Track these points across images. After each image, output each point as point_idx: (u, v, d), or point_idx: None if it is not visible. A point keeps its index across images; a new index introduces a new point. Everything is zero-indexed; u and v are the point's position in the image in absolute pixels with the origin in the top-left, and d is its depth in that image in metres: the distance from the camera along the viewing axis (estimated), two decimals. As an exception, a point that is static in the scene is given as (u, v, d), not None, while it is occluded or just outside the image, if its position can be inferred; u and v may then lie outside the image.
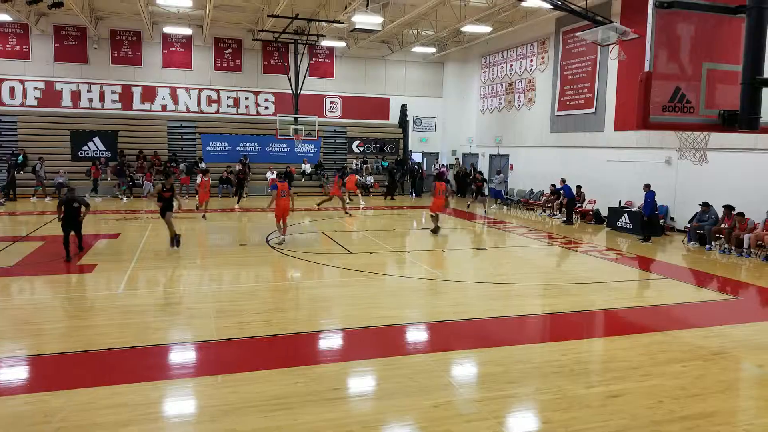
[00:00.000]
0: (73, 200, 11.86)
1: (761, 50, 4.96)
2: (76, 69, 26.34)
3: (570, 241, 15.77)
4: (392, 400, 5.57)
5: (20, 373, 6.18)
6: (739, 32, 5.13)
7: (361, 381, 6.18)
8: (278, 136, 25.88)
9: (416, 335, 7.83)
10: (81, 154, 25.95)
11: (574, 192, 19.94)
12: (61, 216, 11.78)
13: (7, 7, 20.79)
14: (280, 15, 20.67)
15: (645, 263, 12.97)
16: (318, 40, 25.24)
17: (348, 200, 22.46)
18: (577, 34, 17.04)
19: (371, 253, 13.27)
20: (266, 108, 29.05)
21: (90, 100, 26.73)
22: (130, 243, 13.85)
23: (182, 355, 6.80)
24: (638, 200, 17.53)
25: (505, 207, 24.37)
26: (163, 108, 27.80)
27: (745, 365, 6.82)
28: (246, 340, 7.23)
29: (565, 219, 19.44)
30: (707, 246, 14.62)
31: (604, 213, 19.09)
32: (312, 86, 28.65)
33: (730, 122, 4.93)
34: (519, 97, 25.61)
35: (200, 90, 28.20)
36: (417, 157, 31.42)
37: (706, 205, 14.98)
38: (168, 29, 26.29)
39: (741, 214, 14.08)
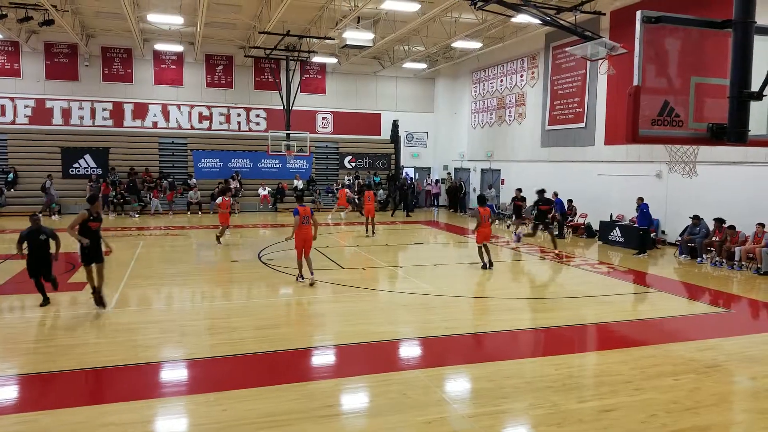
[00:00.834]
0: (39, 232, 9.37)
1: (748, 64, 5.02)
2: (67, 86, 26.32)
3: (562, 254, 15.79)
4: (385, 416, 5.51)
5: (10, 393, 6.08)
6: (726, 46, 5.20)
7: (355, 397, 6.13)
8: (270, 152, 25.94)
9: (409, 351, 7.78)
10: (72, 171, 25.83)
11: (566, 206, 20.00)
12: (25, 254, 9.36)
13: (-2, 24, 20.82)
14: (271, 32, 20.80)
15: (637, 277, 12.99)
16: (309, 56, 25.37)
17: (342, 215, 22.30)
18: (566, 49, 17.26)
19: (363, 268, 13.24)
20: (258, 124, 29.10)
21: (81, 118, 26.67)
22: (122, 260, 13.73)
23: (174, 373, 6.72)
24: (629, 214, 17.63)
25: (496, 221, 24.39)
26: (155, 125, 27.77)
27: (737, 378, 6.82)
28: (238, 357, 7.16)
29: (557, 233, 19.46)
30: (698, 259, 14.68)
31: (596, 227, 19.16)
32: (304, 102, 28.74)
33: (718, 135, 4.98)
34: (510, 111, 25.79)
35: (192, 106, 28.21)
36: (409, 172, 31.47)
37: (696, 218, 15.07)
38: (159, 46, 26.38)
39: (732, 227, 14.18)
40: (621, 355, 7.43)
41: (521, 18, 17.42)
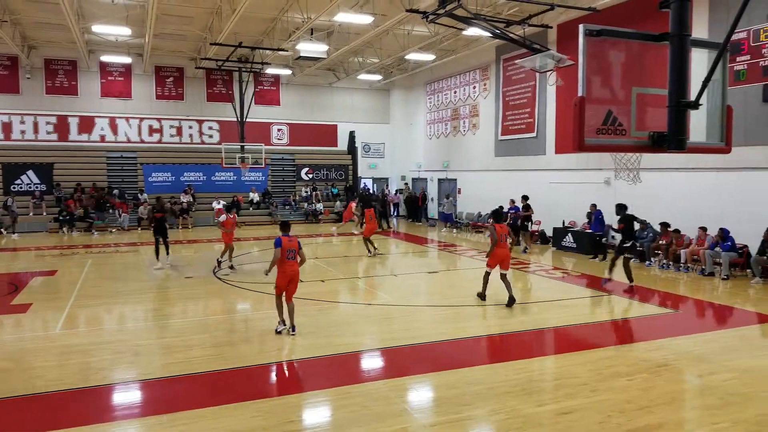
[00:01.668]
0: None
1: (685, 75, 5.26)
2: (8, 100, 25.32)
3: (518, 261, 16.09)
4: (348, 429, 5.49)
5: (-52, 424, 5.78)
6: (665, 58, 5.43)
7: (316, 412, 6.08)
8: (224, 165, 25.59)
9: (370, 362, 7.77)
10: (14, 188, 24.82)
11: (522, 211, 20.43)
12: None
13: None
14: (223, 43, 20.59)
15: (590, 281, 13.35)
16: (263, 67, 25.21)
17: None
18: (516, 61, 17.67)
19: (323, 281, 13.16)
20: (211, 136, 28.66)
21: (23, 132, 25.71)
22: (69, 279, 13.26)
23: (127, 396, 6.51)
24: (581, 220, 18.12)
25: (455, 230, 24.69)
26: (102, 138, 27.00)
27: (686, 376, 7.08)
28: (195, 375, 7.00)
29: (513, 241, 19.88)
30: (647, 262, 15.20)
31: (549, 233, 19.62)
32: (258, 114, 28.50)
33: (659, 143, 5.19)
34: (464, 122, 26.21)
35: (141, 119, 27.57)
36: (367, 183, 31.56)
37: (644, 223, 15.59)
38: (106, 58, 25.74)
39: (677, 231, 14.77)
40: (577, 357, 7.62)
41: (472, 31, 17.76)
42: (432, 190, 29.22)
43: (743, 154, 13.71)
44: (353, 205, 21.49)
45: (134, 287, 12.56)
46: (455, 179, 27.17)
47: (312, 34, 20.47)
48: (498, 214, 11.07)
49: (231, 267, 14.65)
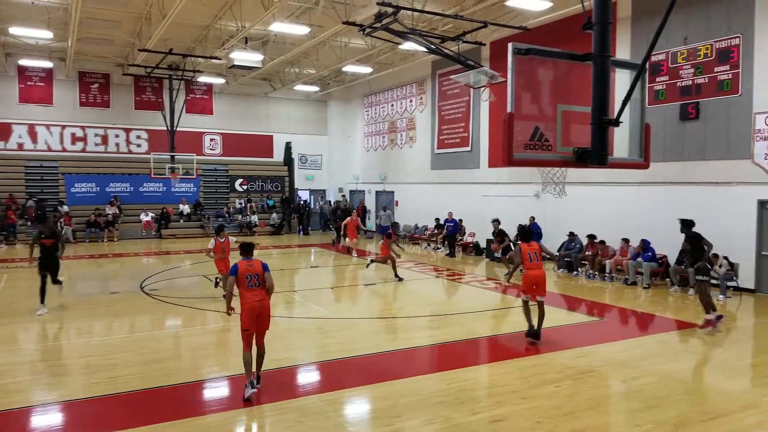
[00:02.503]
0: None
1: (606, 93, 5.55)
2: None
3: (453, 272, 16.35)
4: (280, 446, 5.37)
5: None
6: (588, 77, 5.70)
7: (250, 428, 5.92)
8: (153, 175, 24.75)
9: (305, 377, 7.66)
10: None
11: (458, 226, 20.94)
12: None
13: None
14: (152, 50, 19.99)
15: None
16: (194, 75, 24.63)
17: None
18: (451, 76, 18.10)
19: (256, 294, 12.87)
20: (139, 146, 27.61)
21: (-68, 139, 23.99)
22: (-18, 296, 12.41)
23: (46, 418, 6.13)
24: (513, 232, 18.63)
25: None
26: (20, 146, 25.51)
27: (611, 381, 7.37)
28: (120, 395, 6.67)
29: (448, 252, 20.31)
30: (575, 272, 15.80)
31: (483, 244, 20.06)
32: (189, 123, 27.74)
33: (583, 158, 5.45)
34: (401, 135, 26.51)
35: (63, 127, 26.24)
36: (304, 195, 31.28)
37: (572, 235, 16.26)
38: (25, 62, 24.36)
39: (602, 242, 15.44)
40: (508, 366, 7.80)
41: (408, 45, 18.06)
42: (369, 203, 29.33)
43: (662, 169, 14.56)
44: (357, 221, 19.93)
45: (54, 303, 11.87)
46: (393, 191, 27.39)
47: (246, 42, 20.21)
48: (525, 233, 9.62)
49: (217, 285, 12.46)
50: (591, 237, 15.70)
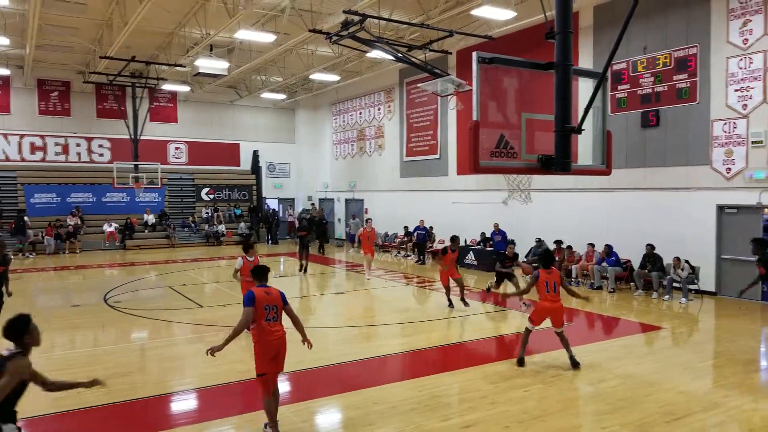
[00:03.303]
0: None
1: (569, 101, 5.66)
2: None
3: (424, 280, 16.40)
4: (249, 459, 5.29)
5: None
6: (551, 86, 5.81)
7: (215, 443, 5.82)
8: (116, 185, 24.24)
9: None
10: None
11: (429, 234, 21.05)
12: None
13: None
14: (114, 57, 19.61)
15: (490, 297, 13.83)
16: (158, 83, 24.25)
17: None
18: (418, 85, 18.20)
19: (224, 305, 12.70)
20: (101, 155, 26.93)
21: None
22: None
23: (1, 438, 5.91)
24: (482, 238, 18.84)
25: (362, 251, 24.79)
26: (-23, 157, 24.73)
27: (578, 384, 7.48)
28: (83, 410, 6.50)
29: (419, 260, 20.43)
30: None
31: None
32: (154, 131, 27.29)
33: (547, 166, 5.54)
34: (370, 143, 26.55)
35: (22, 136, 25.43)
36: (272, 204, 30.99)
37: (539, 241, 16.50)
38: (-20, 69, 23.66)
39: (569, 248, 15.70)
40: (478, 371, 7.85)
41: (376, 54, 18.13)
42: (339, 211, 29.25)
43: (625, 176, 14.91)
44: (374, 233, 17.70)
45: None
46: (362, 199, 27.38)
47: (211, 50, 20.01)
48: (548, 257, 8.30)
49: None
50: (558, 242, 15.94)
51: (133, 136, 24.95)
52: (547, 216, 16.87)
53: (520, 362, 8.09)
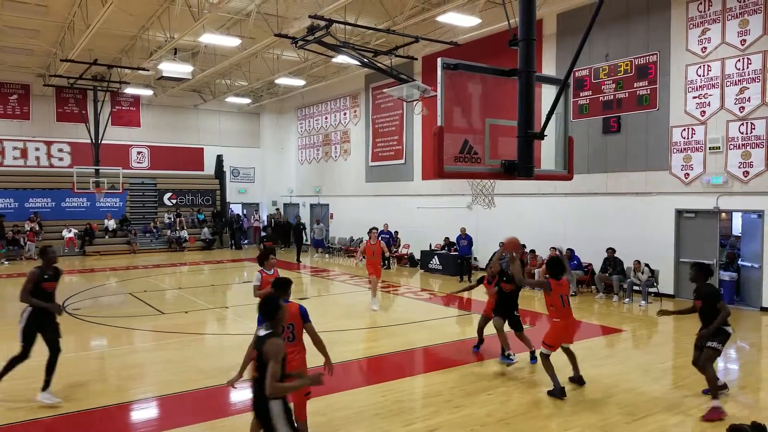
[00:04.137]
0: None
1: (532, 108, 5.75)
2: None
3: (388, 284, 16.40)
4: (211, 468, 5.18)
5: None
6: (515, 92, 5.89)
7: (176, 453, 5.69)
8: (76, 190, 23.61)
9: (238, 395, 7.43)
10: None
11: (394, 238, 21.06)
12: None
13: None
14: (75, 60, 19.14)
15: (455, 301, 13.92)
16: (120, 87, 23.75)
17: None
18: (384, 90, 18.26)
19: (186, 312, 12.47)
20: (61, 159, 26.23)
21: None
22: None
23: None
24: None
25: (326, 255, 24.70)
26: (-70, 160, 23.78)
27: (541, 387, 7.55)
28: (41, 421, 6.29)
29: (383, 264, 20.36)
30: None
31: (417, 256, 20.27)
32: (115, 135, 26.68)
33: (510, 171, 5.61)
34: (335, 148, 26.49)
35: (-21, 140, 24.67)
36: (236, 209, 30.58)
37: (503, 245, 16.64)
38: (-65, 71, 22.83)
39: (532, 252, 15.91)
40: (442, 376, 7.87)
41: (341, 59, 18.12)
42: (304, 216, 29.06)
43: (586, 181, 15.22)
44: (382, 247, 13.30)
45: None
46: (327, 204, 27.27)
47: (176, 53, 19.70)
48: (558, 266, 7.38)
49: None
50: (521, 246, 16.14)
51: (94, 141, 24.36)
52: (510, 220, 17.07)
53: (563, 392, 7.01)
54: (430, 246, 19.91)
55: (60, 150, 26.24)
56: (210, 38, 16.83)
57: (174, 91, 26.42)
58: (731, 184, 12.78)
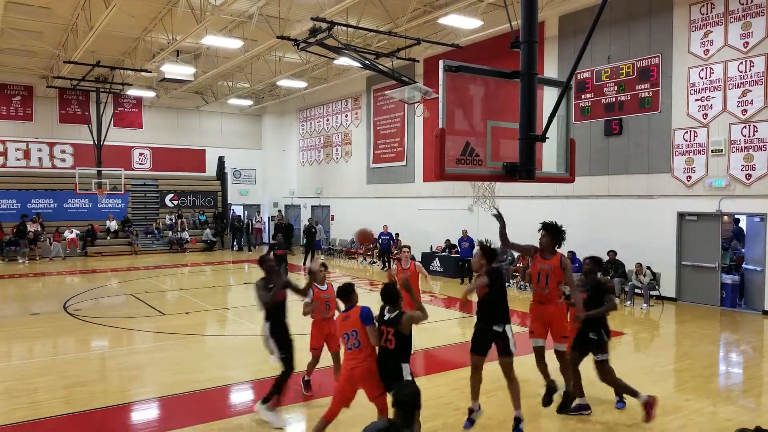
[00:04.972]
0: None
1: (533, 110, 5.73)
2: None
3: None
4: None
5: None
6: (516, 94, 5.88)
7: (176, 454, 5.69)
8: (78, 191, 23.65)
9: (239, 396, 7.45)
10: None
11: (394, 240, 21.04)
12: None
13: None
14: (78, 62, 19.19)
15: (455, 303, 13.90)
16: (123, 88, 23.81)
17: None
18: (386, 92, 18.25)
19: (187, 313, 12.47)
20: (64, 160, 26.28)
21: None
22: None
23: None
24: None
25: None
26: (-67, 161, 23.83)
27: (542, 390, 7.52)
28: (41, 421, 6.30)
29: (384, 267, 20.39)
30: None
31: (418, 258, 20.24)
32: (118, 137, 26.69)
33: (511, 173, 5.60)
34: (337, 150, 26.51)
35: (-19, 141, 24.70)
36: (237, 210, 30.59)
37: (503, 247, 16.64)
38: (-62, 72, 22.88)
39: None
40: (442, 378, 7.87)
41: (343, 61, 18.13)
42: (305, 217, 29.07)
43: (588, 184, 15.21)
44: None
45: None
46: (328, 206, 27.28)
47: (178, 55, 19.74)
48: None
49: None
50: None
51: (96, 142, 24.39)
52: (511, 223, 16.95)
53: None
54: (431, 248, 19.90)
55: (62, 151, 26.29)
56: (212, 40, 16.86)
57: (176, 92, 26.46)
58: (733, 187, 12.76)
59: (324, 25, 14.37)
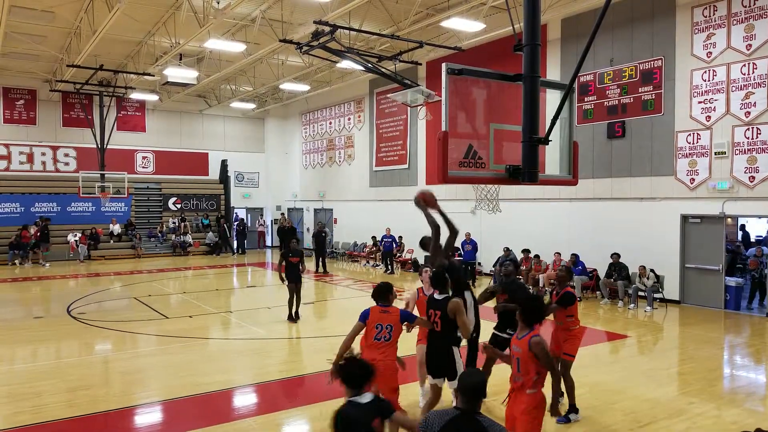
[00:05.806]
0: None
1: (536, 112, 5.72)
2: None
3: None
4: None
5: None
6: (519, 97, 5.87)
7: (180, 458, 5.69)
8: (81, 195, 23.68)
9: (241, 399, 7.45)
10: None
11: (397, 242, 21.04)
12: None
13: None
14: (81, 65, 19.23)
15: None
16: (126, 92, 23.87)
17: None
18: (388, 95, 18.29)
19: (191, 316, 12.49)
20: (67, 164, 26.35)
21: None
22: None
23: (-47, 457, 5.69)
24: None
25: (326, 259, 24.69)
26: (-63, 165, 23.92)
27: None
28: (44, 425, 6.31)
29: (388, 270, 20.41)
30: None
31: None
32: (121, 140, 26.75)
33: (514, 176, 5.59)
34: (339, 153, 26.53)
35: (-15, 145, 24.78)
36: (241, 213, 30.63)
37: (507, 250, 16.64)
38: (-58, 76, 22.98)
39: (537, 257, 15.88)
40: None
41: (346, 64, 18.16)
42: (308, 220, 29.11)
43: (591, 186, 15.19)
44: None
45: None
46: (331, 209, 27.29)
47: (181, 59, 19.78)
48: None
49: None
50: (525, 251, 16.12)
51: (99, 145, 24.45)
52: (514, 225, 17.06)
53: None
54: (435, 251, 19.86)
55: (66, 155, 26.37)
56: (215, 44, 16.90)
57: (179, 96, 26.55)
58: (737, 189, 12.73)
59: (327, 29, 14.39)
